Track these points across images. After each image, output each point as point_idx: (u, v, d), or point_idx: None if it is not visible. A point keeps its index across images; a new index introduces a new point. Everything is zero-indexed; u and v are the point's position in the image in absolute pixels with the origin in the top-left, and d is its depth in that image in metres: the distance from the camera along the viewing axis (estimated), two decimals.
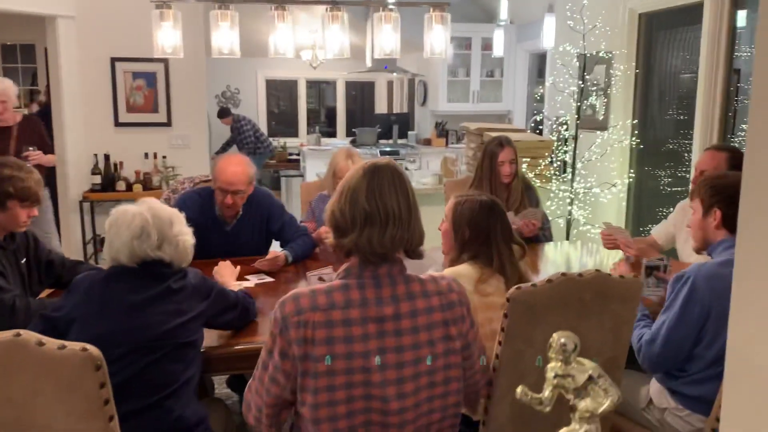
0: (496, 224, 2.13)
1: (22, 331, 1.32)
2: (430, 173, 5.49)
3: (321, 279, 2.52)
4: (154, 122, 5.21)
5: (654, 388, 2.23)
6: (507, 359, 1.81)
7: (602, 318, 1.89)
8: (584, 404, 0.71)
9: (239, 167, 2.87)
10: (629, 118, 4.50)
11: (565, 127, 4.60)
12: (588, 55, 4.53)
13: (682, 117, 4.56)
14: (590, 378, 0.72)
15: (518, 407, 1.92)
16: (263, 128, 9.29)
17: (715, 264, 2.08)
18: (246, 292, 2.28)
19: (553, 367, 0.74)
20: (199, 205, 2.96)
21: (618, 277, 1.89)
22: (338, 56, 3.41)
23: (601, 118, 4.66)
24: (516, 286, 1.78)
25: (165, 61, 5.06)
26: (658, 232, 3.26)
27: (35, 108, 6.88)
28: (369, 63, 7.47)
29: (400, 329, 1.49)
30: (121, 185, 5.10)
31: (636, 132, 4.51)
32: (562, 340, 0.72)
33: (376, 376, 1.46)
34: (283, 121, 10.77)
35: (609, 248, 3.16)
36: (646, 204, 4.81)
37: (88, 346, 1.33)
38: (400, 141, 8.32)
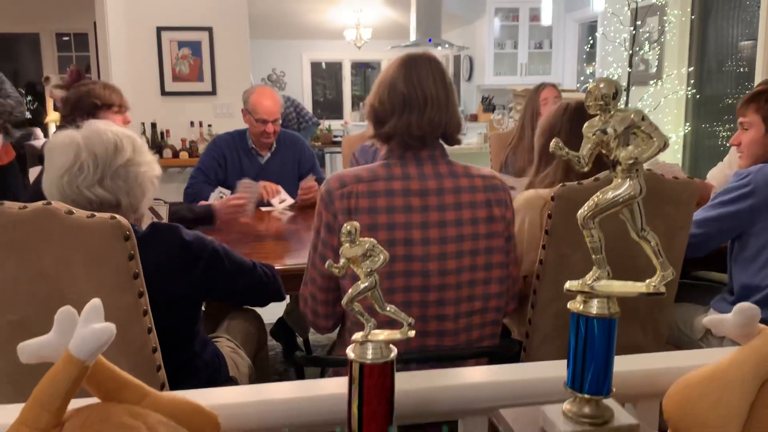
0: (575, 127, 1.82)
1: (52, 201, 1.30)
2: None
3: None
4: (199, 91, 5.26)
5: (710, 316, 2.11)
6: (551, 264, 1.71)
7: (654, 222, 1.76)
8: (626, 152, 0.62)
9: (273, 98, 3.08)
10: (684, 66, 4.29)
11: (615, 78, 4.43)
12: (640, 4, 4.35)
13: (742, 69, 4.32)
14: (632, 124, 0.64)
15: (563, 317, 1.83)
16: (308, 109, 9.32)
17: None
18: (268, 269, 1.78)
19: (592, 123, 0.66)
20: (233, 141, 3.16)
21: (672, 179, 1.77)
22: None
23: (653, 70, 4.47)
24: (561, 184, 1.69)
25: (209, 30, 5.12)
26: (714, 175, 3.11)
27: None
28: (413, 36, 7.39)
29: (443, 204, 1.47)
30: (167, 153, 5.17)
31: (692, 82, 4.30)
32: (602, 85, 0.64)
33: (417, 249, 1.44)
34: (328, 106, 10.82)
35: None
36: (702, 161, 4.60)
37: (116, 215, 1.31)
38: None
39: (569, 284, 0.70)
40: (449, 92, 1.53)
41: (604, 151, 0.67)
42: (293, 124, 8.16)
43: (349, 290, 0.67)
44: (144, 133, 5.20)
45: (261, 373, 2.04)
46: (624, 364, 0.95)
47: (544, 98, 3.25)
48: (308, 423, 0.86)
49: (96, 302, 0.64)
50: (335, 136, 9.47)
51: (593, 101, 0.65)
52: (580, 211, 0.68)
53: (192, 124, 5.27)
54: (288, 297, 2.11)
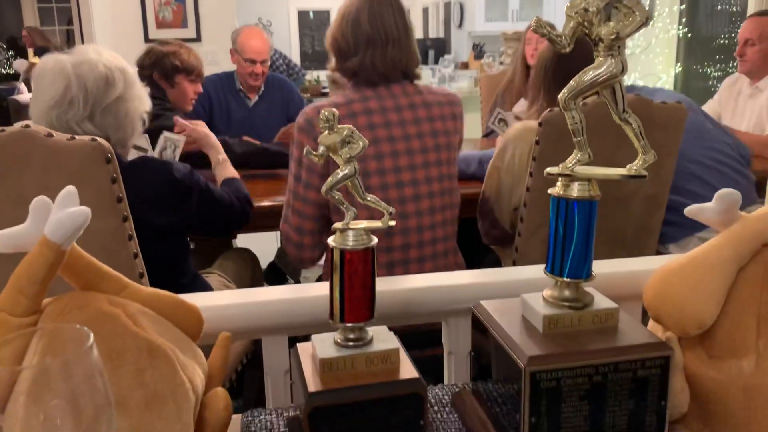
0: (564, 62, 1.82)
1: (30, 123, 1.28)
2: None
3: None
4: (183, 38, 5.12)
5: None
6: (538, 191, 1.71)
7: None
8: (608, 28, 0.61)
9: (262, 38, 3.04)
10: (676, 5, 4.23)
11: None
12: None
13: (734, 8, 4.27)
14: None
15: None
16: (295, 61, 9.17)
17: None
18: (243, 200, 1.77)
19: (574, 3, 0.64)
20: (220, 83, 3.12)
21: (660, 103, 1.76)
22: None
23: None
24: (548, 109, 1.67)
25: None
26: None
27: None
28: None
29: (417, 117, 1.57)
30: None
31: (683, 21, 4.24)
32: None
33: (403, 159, 1.54)
34: (316, 57, 10.64)
35: None
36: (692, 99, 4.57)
37: (98, 137, 1.29)
38: (435, 66, 8.11)
39: (549, 169, 0.70)
40: (408, 31, 1.62)
41: (586, 31, 0.65)
42: (283, 74, 8.05)
43: (330, 177, 0.66)
44: None
45: None
46: (606, 267, 0.96)
47: (528, 37, 3.19)
48: (294, 324, 0.87)
49: (71, 188, 0.63)
50: (324, 88, 9.37)
51: None
52: (560, 94, 0.67)
53: None
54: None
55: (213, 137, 2.03)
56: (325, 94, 8.99)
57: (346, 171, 0.66)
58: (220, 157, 1.97)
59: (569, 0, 0.65)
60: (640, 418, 0.66)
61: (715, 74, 4.33)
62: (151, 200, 1.47)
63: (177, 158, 2.09)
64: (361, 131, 1.38)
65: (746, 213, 0.73)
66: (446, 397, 0.80)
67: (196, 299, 0.83)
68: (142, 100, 1.55)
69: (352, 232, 0.67)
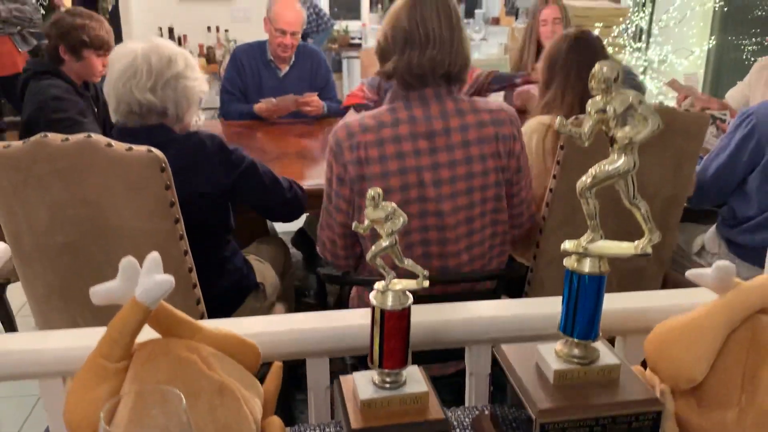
0: (573, 55, 1.89)
1: (92, 134, 1.39)
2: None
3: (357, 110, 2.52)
4: None
5: (709, 235, 2.23)
6: (561, 193, 1.80)
7: (664, 153, 1.84)
8: (623, 132, 0.70)
9: (296, 10, 3.07)
10: None
11: None
12: None
13: None
14: (630, 106, 0.70)
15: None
16: (325, 10, 9.08)
17: None
18: (298, 190, 1.93)
19: (595, 101, 0.73)
20: (253, 52, 3.20)
21: (684, 111, 1.82)
22: None
23: None
24: (574, 117, 1.74)
25: None
26: (732, 95, 3.10)
27: None
28: None
29: (451, 144, 1.49)
30: None
31: None
32: (605, 69, 0.70)
33: (430, 191, 1.49)
34: (344, 4, 10.50)
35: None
36: (725, 74, 4.52)
37: (153, 148, 1.40)
38: (466, 21, 8.00)
39: (566, 244, 0.79)
40: (454, 30, 1.49)
41: (604, 128, 0.74)
42: (313, 25, 8.01)
43: (372, 247, 0.77)
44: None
45: (287, 295, 2.19)
46: (615, 302, 1.06)
47: (544, 19, 3.17)
48: (336, 349, 0.99)
49: (155, 255, 0.75)
50: (352, 38, 9.30)
51: (596, 83, 0.72)
52: (579, 182, 0.76)
53: (209, 29, 5.24)
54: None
55: None
56: (353, 45, 8.94)
57: (387, 243, 0.77)
58: None
59: (591, 100, 0.73)
60: None
61: (751, 47, 4.27)
62: (201, 164, 1.62)
63: None
64: (390, 160, 1.49)
65: (741, 280, 0.82)
66: (467, 420, 0.93)
67: (253, 325, 0.96)
68: (200, 81, 1.69)
69: (391, 293, 0.78)
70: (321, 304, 1.97)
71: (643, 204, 0.76)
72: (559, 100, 1.93)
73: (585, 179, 0.75)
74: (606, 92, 0.72)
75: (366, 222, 0.78)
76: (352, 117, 1.54)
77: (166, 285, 0.73)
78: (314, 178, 2.16)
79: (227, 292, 1.76)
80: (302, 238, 3.43)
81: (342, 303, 1.97)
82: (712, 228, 2.25)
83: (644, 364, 0.89)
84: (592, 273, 0.77)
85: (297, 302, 2.42)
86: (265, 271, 1.99)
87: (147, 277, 0.73)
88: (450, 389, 1.59)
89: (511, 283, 1.85)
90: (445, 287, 1.60)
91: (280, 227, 2.82)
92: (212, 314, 1.60)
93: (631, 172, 0.73)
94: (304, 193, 1.93)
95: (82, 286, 1.54)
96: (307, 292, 2.92)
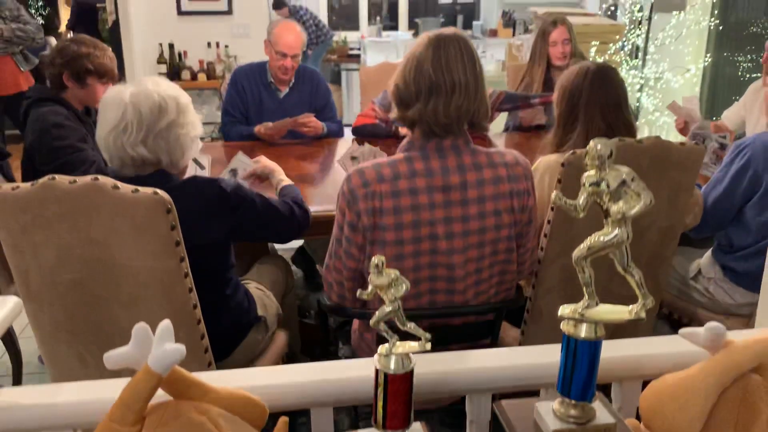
0: (596, 93, 1.87)
1: (99, 176, 1.42)
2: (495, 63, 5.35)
3: (354, 158, 2.43)
4: (215, 10, 5.21)
5: (705, 259, 2.26)
6: (559, 224, 1.82)
7: (660, 186, 1.86)
8: (617, 207, 0.73)
9: (296, 33, 3.11)
10: None
11: (638, 7, 4.34)
12: None
13: None
14: (624, 182, 0.73)
15: (568, 271, 1.96)
16: (324, 21, 9.12)
17: None
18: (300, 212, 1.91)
19: (589, 175, 0.76)
20: (254, 73, 3.22)
21: (678, 144, 1.85)
22: None
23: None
24: (571, 152, 1.77)
25: None
26: (728, 116, 3.14)
27: None
28: None
29: (466, 199, 1.49)
30: (185, 75, 5.20)
31: (716, 12, 4.21)
32: (599, 146, 0.73)
33: (442, 244, 1.50)
34: (343, 14, 10.54)
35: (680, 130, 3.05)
36: (721, 92, 4.56)
37: (158, 190, 1.42)
38: (464, 31, 8.04)
39: (563, 309, 0.82)
40: (478, 78, 1.48)
41: (598, 201, 0.77)
42: (312, 37, 8.05)
43: (377, 312, 0.80)
44: (162, 54, 5.21)
45: (288, 316, 2.21)
46: (612, 350, 1.09)
47: (553, 40, 3.21)
48: (340, 399, 1.02)
49: (167, 323, 0.77)
50: (351, 49, 9.34)
51: (591, 159, 0.75)
52: (575, 252, 0.79)
53: (209, 44, 5.26)
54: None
55: (275, 165, 2.24)
56: (352, 57, 8.98)
57: (390, 308, 0.80)
58: (281, 177, 2.15)
59: (586, 174, 0.77)
60: None
61: (745, 64, 4.31)
62: (199, 214, 1.61)
63: (241, 178, 2.30)
64: (404, 212, 1.50)
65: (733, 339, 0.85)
66: None
67: (261, 378, 0.99)
68: (194, 125, 1.67)
69: (394, 357, 0.81)
70: (322, 327, 1.99)
71: (637, 271, 0.79)
72: (582, 138, 1.90)
73: (580, 250, 0.78)
74: (600, 168, 0.75)
75: (369, 288, 0.81)
76: (366, 163, 1.52)
77: (178, 354, 0.75)
78: (314, 204, 2.18)
79: (229, 330, 1.78)
80: (302, 256, 3.45)
81: (344, 324, 2.00)
82: (708, 253, 2.28)
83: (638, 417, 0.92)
84: (588, 338, 0.80)
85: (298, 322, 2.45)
86: (266, 300, 2.01)
87: (159, 346, 0.76)
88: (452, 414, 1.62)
89: (511, 312, 1.88)
90: (447, 320, 1.63)
91: (280, 245, 2.86)
92: (215, 351, 1.63)
93: (624, 243, 0.76)
94: (306, 212, 1.93)
95: (89, 322, 1.58)
96: (308, 313, 2.94)
